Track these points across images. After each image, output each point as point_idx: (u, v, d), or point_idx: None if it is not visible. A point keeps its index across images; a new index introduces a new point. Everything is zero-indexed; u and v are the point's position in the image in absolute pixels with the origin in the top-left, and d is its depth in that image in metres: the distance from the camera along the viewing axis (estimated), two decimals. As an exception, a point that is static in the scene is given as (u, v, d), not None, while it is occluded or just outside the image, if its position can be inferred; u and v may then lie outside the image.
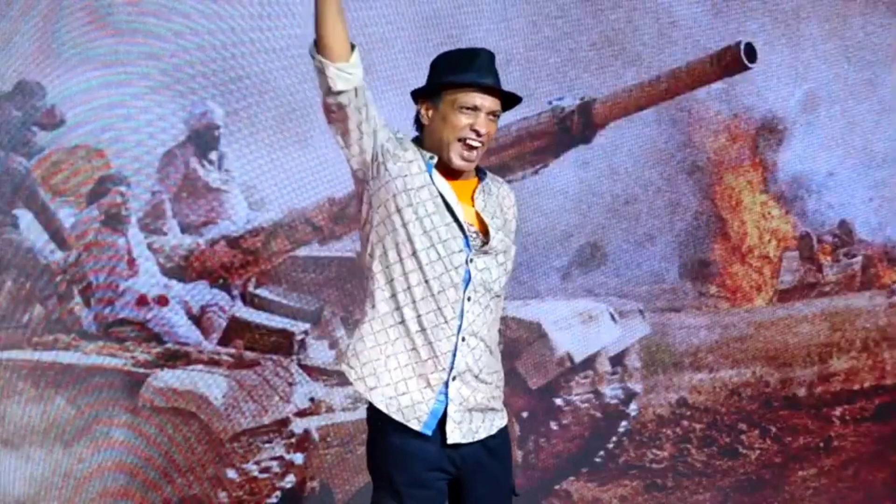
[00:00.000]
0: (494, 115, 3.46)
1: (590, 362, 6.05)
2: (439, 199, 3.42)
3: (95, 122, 5.43)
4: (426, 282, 3.38)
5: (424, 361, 3.39)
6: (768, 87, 6.74)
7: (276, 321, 5.66)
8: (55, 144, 5.49)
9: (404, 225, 3.40)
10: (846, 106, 6.90)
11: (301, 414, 5.23)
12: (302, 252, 5.76)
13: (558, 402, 5.98)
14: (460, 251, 3.44)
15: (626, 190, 6.49)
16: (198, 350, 5.31)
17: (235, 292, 5.72)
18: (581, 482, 6.27)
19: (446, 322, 3.39)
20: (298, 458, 5.20)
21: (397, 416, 3.37)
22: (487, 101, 3.43)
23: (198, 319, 5.55)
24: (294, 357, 5.53)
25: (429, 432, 3.39)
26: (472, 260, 3.47)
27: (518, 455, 6.03)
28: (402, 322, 3.40)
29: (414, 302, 3.38)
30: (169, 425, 5.00)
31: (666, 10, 6.45)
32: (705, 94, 6.52)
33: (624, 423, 6.28)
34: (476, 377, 3.46)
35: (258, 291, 5.80)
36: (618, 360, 6.18)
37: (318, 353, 5.68)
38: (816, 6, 6.80)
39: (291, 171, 5.64)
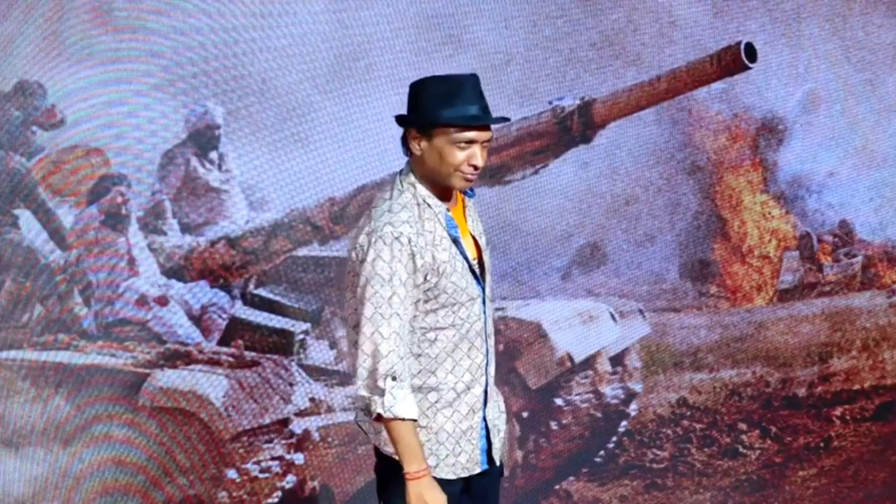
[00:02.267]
0: (488, 142, 3.49)
1: (590, 362, 6.05)
2: (459, 257, 3.56)
3: (95, 122, 5.43)
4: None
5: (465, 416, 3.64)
6: (768, 87, 6.75)
7: (277, 321, 5.66)
8: (55, 144, 5.49)
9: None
10: (846, 106, 6.91)
11: (301, 414, 5.23)
12: (302, 252, 5.76)
13: (558, 402, 5.99)
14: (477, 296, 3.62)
15: (627, 190, 6.49)
16: (198, 350, 5.31)
17: (236, 292, 5.72)
18: (581, 482, 6.28)
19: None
20: (299, 457, 5.20)
21: (463, 474, 3.64)
22: (483, 135, 3.45)
23: (198, 319, 5.54)
24: (294, 357, 5.54)
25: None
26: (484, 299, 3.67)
27: (518, 455, 6.03)
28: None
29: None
30: (169, 425, 5.00)
31: (666, 9, 6.45)
32: (706, 93, 6.53)
33: (624, 422, 6.29)
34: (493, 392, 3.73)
35: (258, 291, 5.80)
36: (618, 360, 6.19)
37: (319, 353, 5.68)
38: (817, 6, 6.80)
39: (292, 170, 5.65)
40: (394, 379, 3.42)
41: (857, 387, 6.81)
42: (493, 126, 3.50)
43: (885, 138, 7.01)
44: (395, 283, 3.41)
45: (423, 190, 3.51)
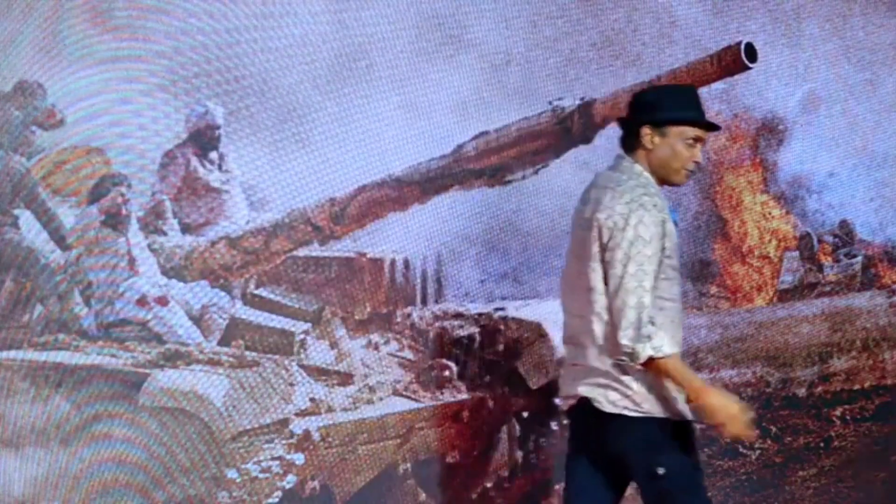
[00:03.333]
0: (704, 144, 4.01)
1: (590, 362, 6.03)
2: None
3: (96, 122, 5.43)
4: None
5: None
6: (769, 88, 6.77)
7: (277, 321, 5.66)
8: (55, 144, 5.50)
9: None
10: (847, 106, 6.93)
11: (301, 414, 5.23)
12: (302, 252, 5.76)
13: (559, 401, 5.97)
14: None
15: (627, 190, 6.49)
16: (198, 350, 5.30)
17: (236, 292, 5.72)
18: (582, 482, 6.27)
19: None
20: (299, 458, 5.19)
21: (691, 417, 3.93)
22: (706, 136, 3.99)
23: (198, 319, 5.54)
24: (294, 357, 5.53)
25: None
26: None
27: (518, 455, 6.04)
28: None
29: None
30: (169, 425, 4.98)
31: (666, 9, 6.47)
32: (706, 94, 6.49)
33: (624, 422, 6.27)
34: None
35: (258, 291, 5.79)
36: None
37: (319, 353, 5.67)
38: (817, 6, 6.82)
39: (292, 171, 5.66)
40: (653, 325, 3.82)
41: (857, 387, 6.82)
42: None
43: (885, 138, 7.02)
44: (654, 244, 3.87)
45: (652, 178, 3.94)
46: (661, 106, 4.00)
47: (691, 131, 3.94)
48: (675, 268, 3.96)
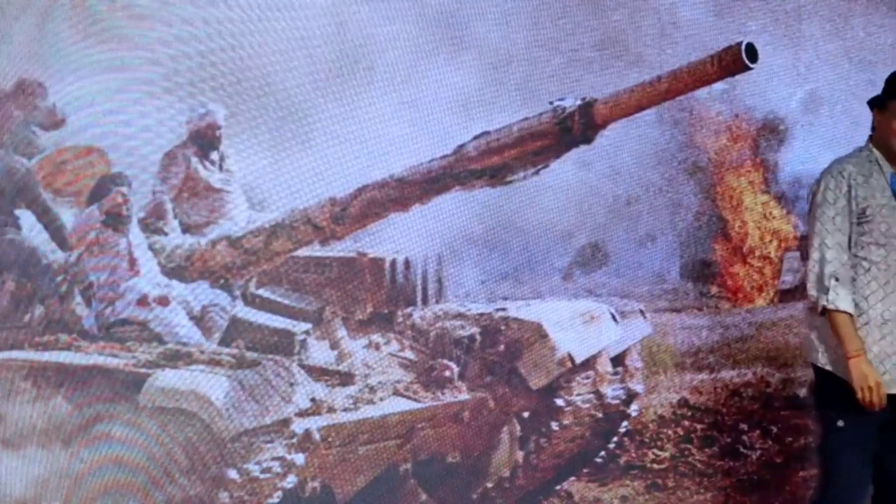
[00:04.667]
0: None
1: (591, 363, 6.03)
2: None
3: (97, 122, 5.44)
4: None
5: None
6: (770, 88, 6.76)
7: (278, 321, 5.65)
8: (57, 145, 5.50)
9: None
10: (847, 106, 6.91)
11: (302, 414, 5.21)
12: (303, 252, 5.76)
13: (559, 402, 5.98)
14: None
15: (628, 190, 6.50)
16: (199, 350, 5.29)
17: (236, 292, 5.72)
18: (582, 482, 6.28)
19: None
20: (300, 458, 5.18)
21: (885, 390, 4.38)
22: None
23: (199, 319, 5.54)
24: (295, 357, 5.52)
25: None
26: None
27: (519, 455, 6.03)
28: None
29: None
30: (170, 425, 4.97)
31: (668, 10, 6.46)
32: (707, 94, 6.53)
33: (625, 423, 6.28)
34: None
35: (259, 291, 5.79)
36: (619, 360, 6.17)
37: (320, 353, 5.67)
38: (818, 6, 6.81)
39: (293, 171, 5.65)
40: (836, 280, 4.38)
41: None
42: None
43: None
44: (838, 206, 4.39)
45: (876, 153, 4.46)
46: (884, 88, 4.48)
47: None
48: (883, 236, 4.41)
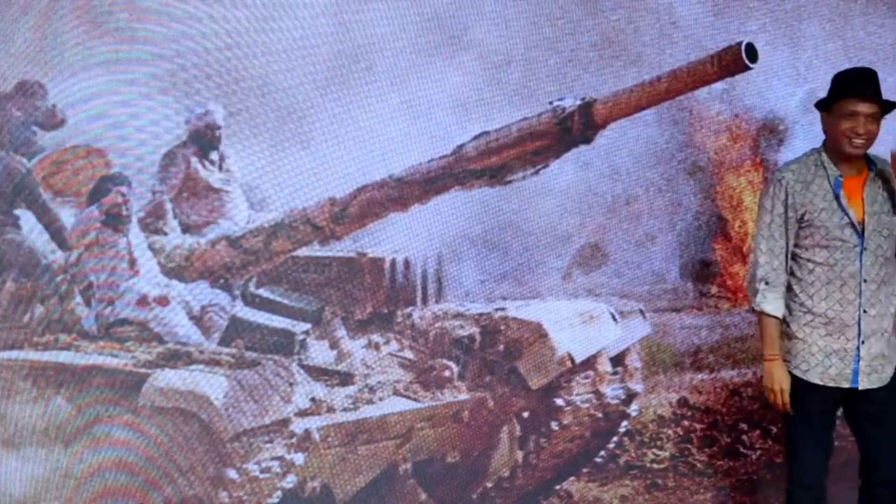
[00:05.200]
0: (872, 116, 4.60)
1: (590, 362, 6.04)
2: (838, 211, 4.65)
3: (97, 122, 5.43)
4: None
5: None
6: (769, 88, 6.74)
7: (277, 321, 5.66)
8: (56, 144, 5.50)
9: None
10: (847, 106, 6.88)
11: (302, 414, 5.23)
12: (303, 252, 5.76)
13: (559, 402, 5.98)
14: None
15: (627, 190, 6.49)
16: (198, 350, 5.31)
17: (236, 292, 5.72)
18: (582, 482, 6.28)
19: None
20: (299, 458, 5.19)
21: (831, 384, 4.73)
22: (863, 108, 4.57)
23: (198, 319, 5.55)
24: (295, 357, 5.54)
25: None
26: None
27: (519, 455, 6.04)
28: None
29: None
30: (170, 425, 4.99)
31: (667, 10, 6.45)
32: (706, 94, 6.52)
33: (625, 423, 6.28)
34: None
35: (259, 291, 5.80)
36: (618, 360, 6.18)
37: (319, 353, 5.68)
38: (817, 6, 6.80)
39: (292, 171, 5.64)
40: (766, 283, 4.71)
41: (857, 387, 6.79)
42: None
43: (885, 139, 6.99)
44: (774, 213, 4.69)
45: (824, 157, 4.66)
46: (829, 90, 4.69)
47: (842, 106, 4.58)
48: (824, 238, 4.62)
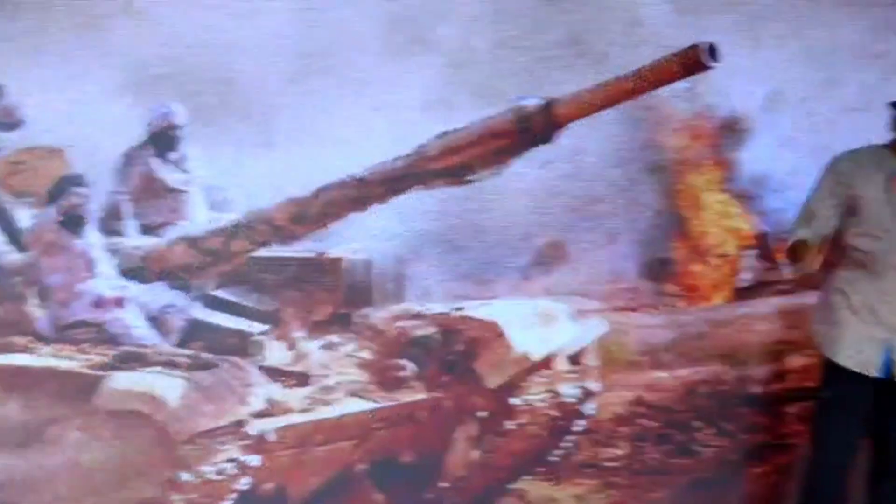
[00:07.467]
0: None
1: (548, 361, 6.06)
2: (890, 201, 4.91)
3: (55, 122, 5.40)
4: None
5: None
6: (731, 86, 6.76)
7: (235, 322, 5.66)
8: (14, 144, 5.46)
9: None
10: (809, 105, 6.93)
11: (258, 415, 5.22)
12: (262, 253, 5.75)
13: (516, 401, 6.00)
14: None
15: (588, 190, 6.50)
16: (155, 352, 5.29)
17: (195, 293, 5.71)
18: (537, 481, 6.31)
19: None
20: (254, 459, 5.19)
21: (857, 369, 4.95)
22: None
23: (156, 321, 5.54)
24: (252, 358, 5.53)
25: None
26: None
27: (475, 455, 6.05)
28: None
29: None
30: (124, 428, 4.96)
31: (631, 8, 6.45)
32: (668, 92, 6.53)
33: (581, 421, 6.30)
34: None
35: (217, 292, 5.78)
36: (576, 359, 6.19)
37: (277, 353, 5.68)
38: (780, 6, 6.82)
39: (253, 171, 5.64)
40: (798, 228, 5.08)
41: (811, 384, 6.85)
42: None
43: (846, 137, 7.03)
44: (821, 191, 5.03)
45: (887, 152, 4.93)
46: None
47: None
48: (871, 228, 4.84)
